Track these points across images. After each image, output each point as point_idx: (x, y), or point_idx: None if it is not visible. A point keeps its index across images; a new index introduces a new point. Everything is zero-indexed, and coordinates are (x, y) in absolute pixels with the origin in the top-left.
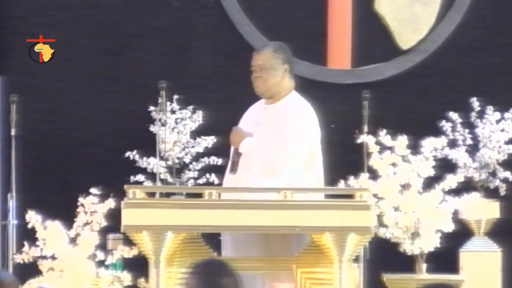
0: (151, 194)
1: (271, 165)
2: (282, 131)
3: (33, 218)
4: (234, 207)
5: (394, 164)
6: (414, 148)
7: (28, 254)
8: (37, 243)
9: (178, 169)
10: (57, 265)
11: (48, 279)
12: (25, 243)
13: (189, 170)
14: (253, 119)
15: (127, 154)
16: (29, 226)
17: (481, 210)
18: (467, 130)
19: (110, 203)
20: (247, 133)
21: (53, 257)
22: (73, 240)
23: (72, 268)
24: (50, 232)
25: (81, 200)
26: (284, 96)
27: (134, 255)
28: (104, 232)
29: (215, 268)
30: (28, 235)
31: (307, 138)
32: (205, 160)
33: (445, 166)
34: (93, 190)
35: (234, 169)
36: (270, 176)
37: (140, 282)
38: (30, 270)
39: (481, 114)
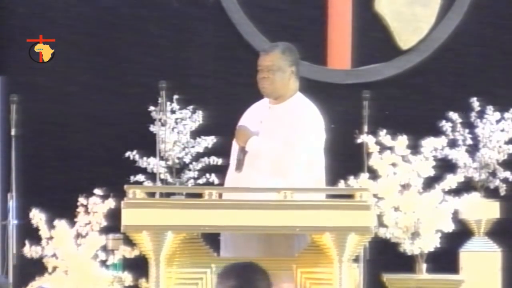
0: (151, 194)
1: (280, 166)
2: (289, 132)
3: (36, 216)
4: (234, 207)
5: (394, 164)
6: (414, 148)
7: (30, 253)
8: (40, 241)
9: (178, 169)
10: (61, 265)
11: (50, 279)
12: (26, 242)
13: (189, 170)
14: (257, 118)
15: (127, 154)
16: (34, 224)
17: (481, 210)
18: (467, 130)
19: (110, 203)
20: (253, 132)
21: (54, 257)
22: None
23: (76, 268)
24: (58, 231)
25: (81, 200)
26: (290, 97)
27: (136, 255)
28: (104, 232)
29: (250, 271)
30: (28, 235)
31: (311, 138)
32: (205, 160)
33: (445, 166)
34: (96, 191)
35: (239, 167)
36: (279, 176)
37: (141, 282)
38: (32, 270)
39: (481, 114)
